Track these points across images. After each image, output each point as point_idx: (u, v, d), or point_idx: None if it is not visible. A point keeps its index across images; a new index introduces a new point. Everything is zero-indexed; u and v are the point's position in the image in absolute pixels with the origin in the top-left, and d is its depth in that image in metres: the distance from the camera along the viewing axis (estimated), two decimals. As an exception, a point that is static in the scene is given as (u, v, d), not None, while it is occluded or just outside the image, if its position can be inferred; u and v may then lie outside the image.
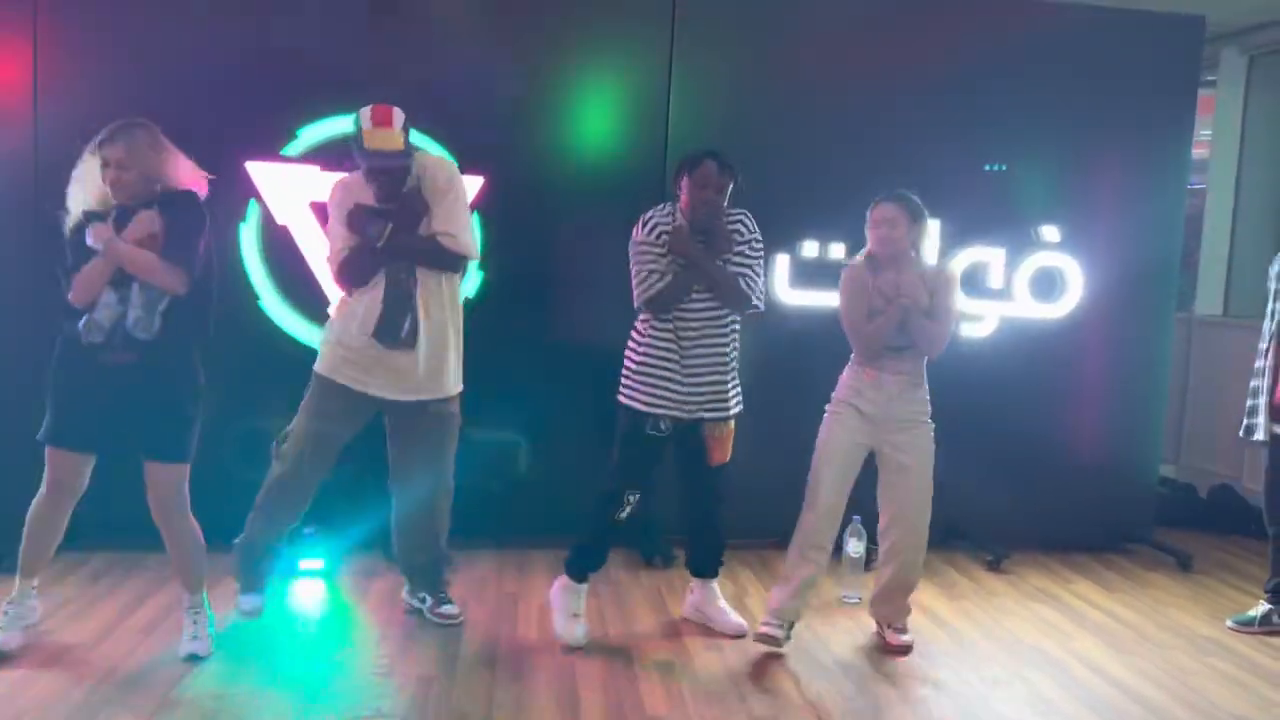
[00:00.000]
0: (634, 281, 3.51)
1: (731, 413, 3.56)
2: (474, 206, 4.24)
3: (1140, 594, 4.30)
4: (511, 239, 4.33)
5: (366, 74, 4.15)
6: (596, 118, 4.43)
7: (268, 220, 4.16)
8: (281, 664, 3.20)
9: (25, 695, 2.89)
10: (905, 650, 3.54)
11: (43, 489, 3.12)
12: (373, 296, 3.36)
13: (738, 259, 3.48)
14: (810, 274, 4.46)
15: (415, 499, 3.56)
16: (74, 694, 2.91)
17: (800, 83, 4.49)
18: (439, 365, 3.44)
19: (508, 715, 2.92)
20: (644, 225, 3.53)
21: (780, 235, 4.44)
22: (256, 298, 4.18)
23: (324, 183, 4.12)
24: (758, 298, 3.51)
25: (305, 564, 4.00)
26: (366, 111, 3.33)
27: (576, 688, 3.12)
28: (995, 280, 4.62)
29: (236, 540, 3.49)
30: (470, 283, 4.28)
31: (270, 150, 4.13)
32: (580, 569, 3.60)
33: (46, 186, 4.02)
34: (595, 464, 4.26)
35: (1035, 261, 4.65)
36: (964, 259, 4.57)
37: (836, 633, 3.69)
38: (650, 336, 3.50)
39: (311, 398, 3.46)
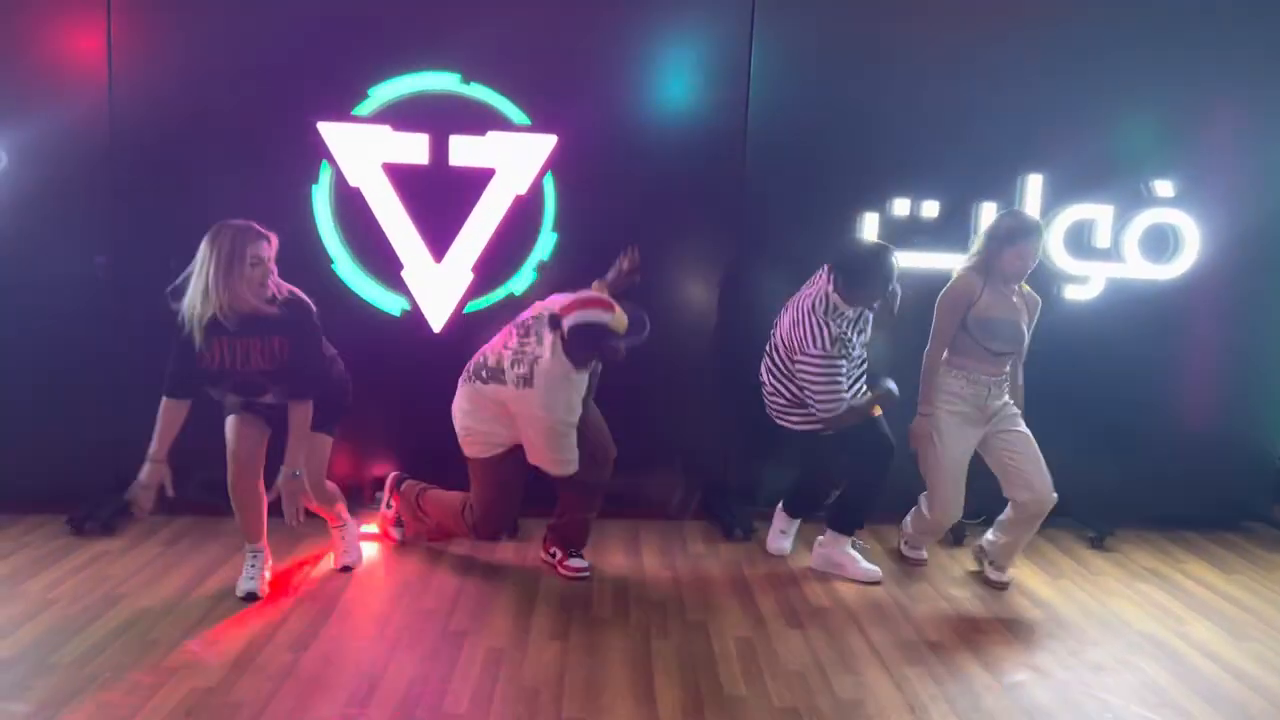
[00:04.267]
0: (820, 392, 3.53)
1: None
2: (546, 167, 4.13)
3: (1260, 576, 4.00)
4: (583, 200, 4.20)
5: (439, 32, 4.08)
6: (674, 76, 4.24)
7: (340, 182, 4.09)
8: (352, 631, 3.16)
9: (99, 659, 2.89)
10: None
11: (228, 464, 3.33)
12: None
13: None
14: (901, 233, 4.21)
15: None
16: (152, 654, 2.91)
17: (891, 32, 4.23)
18: None
19: (579, 693, 2.81)
20: (825, 332, 3.51)
21: (869, 193, 4.24)
22: (331, 261, 4.13)
23: (395, 143, 4.06)
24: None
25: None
26: (596, 311, 3.33)
27: (651, 666, 3.00)
28: (1102, 239, 4.32)
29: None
30: (543, 244, 4.19)
31: (342, 110, 4.05)
32: (796, 509, 3.98)
33: (120, 152, 4.05)
34: (670, 434, 4.14)
35: (1146, 219, 4.33)
36: (1068, 217, 4.28)
37: (928, 612, 3.49)
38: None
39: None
